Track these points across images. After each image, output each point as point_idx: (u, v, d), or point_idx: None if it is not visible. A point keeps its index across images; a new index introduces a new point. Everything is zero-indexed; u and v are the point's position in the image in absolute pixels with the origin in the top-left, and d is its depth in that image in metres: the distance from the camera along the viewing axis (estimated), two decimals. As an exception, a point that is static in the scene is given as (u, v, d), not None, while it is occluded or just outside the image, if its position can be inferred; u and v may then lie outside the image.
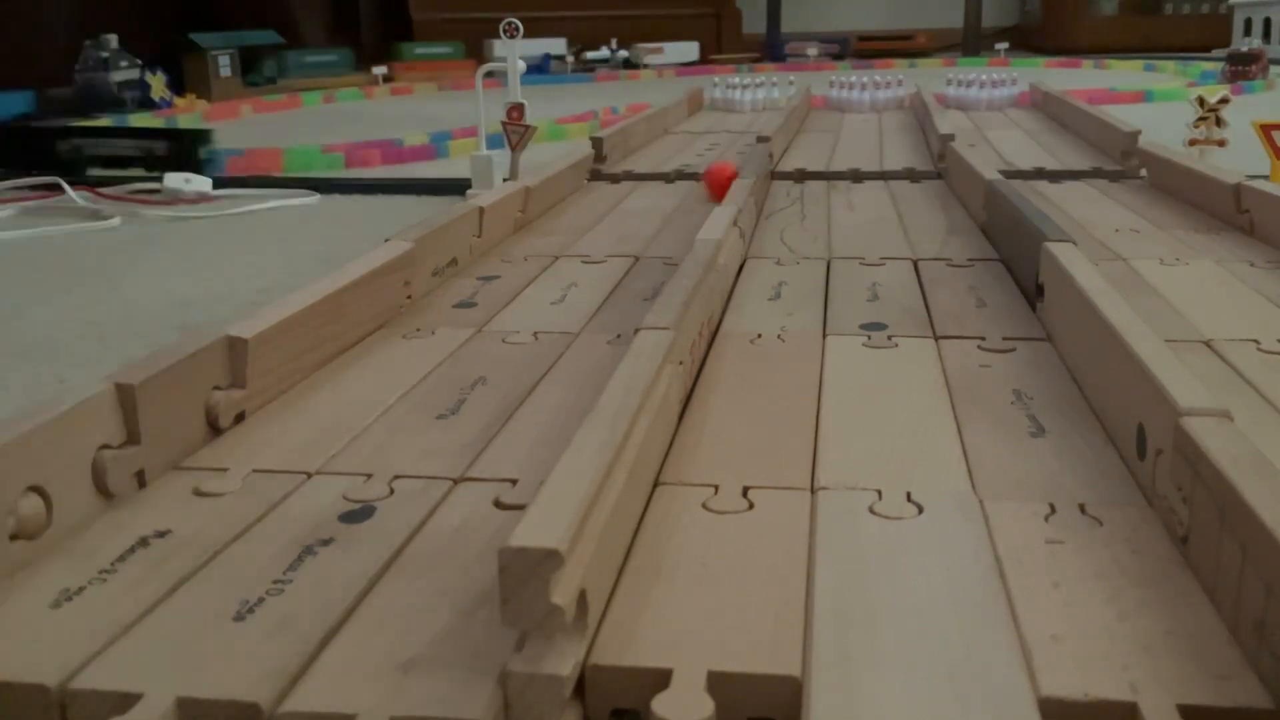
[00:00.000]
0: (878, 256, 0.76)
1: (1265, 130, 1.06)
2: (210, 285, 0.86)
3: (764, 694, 0.28)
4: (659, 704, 0.26)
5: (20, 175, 1.35)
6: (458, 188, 1.23)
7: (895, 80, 1.98)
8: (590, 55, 3.74)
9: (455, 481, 0.41)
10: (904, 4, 4.61)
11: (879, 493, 0.38)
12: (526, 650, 0.27)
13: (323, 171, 1.51)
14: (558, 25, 3.77)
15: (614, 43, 3.73)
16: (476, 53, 3.51)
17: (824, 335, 0.58)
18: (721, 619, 0.30)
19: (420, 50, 3.45)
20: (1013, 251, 0.71)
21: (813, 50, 3.80)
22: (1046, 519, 0.36)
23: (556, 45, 3.67)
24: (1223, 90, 1.17)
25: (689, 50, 3.87)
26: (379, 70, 3.07)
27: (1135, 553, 0.34)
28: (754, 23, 4.45)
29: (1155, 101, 2.15)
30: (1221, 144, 1.13)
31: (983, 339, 0.57)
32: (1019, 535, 0.35)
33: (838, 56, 3.88)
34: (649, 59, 3.73)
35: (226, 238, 1.05)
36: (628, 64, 3.73)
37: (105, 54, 2.54)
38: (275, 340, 0.50)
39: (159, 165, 1.38)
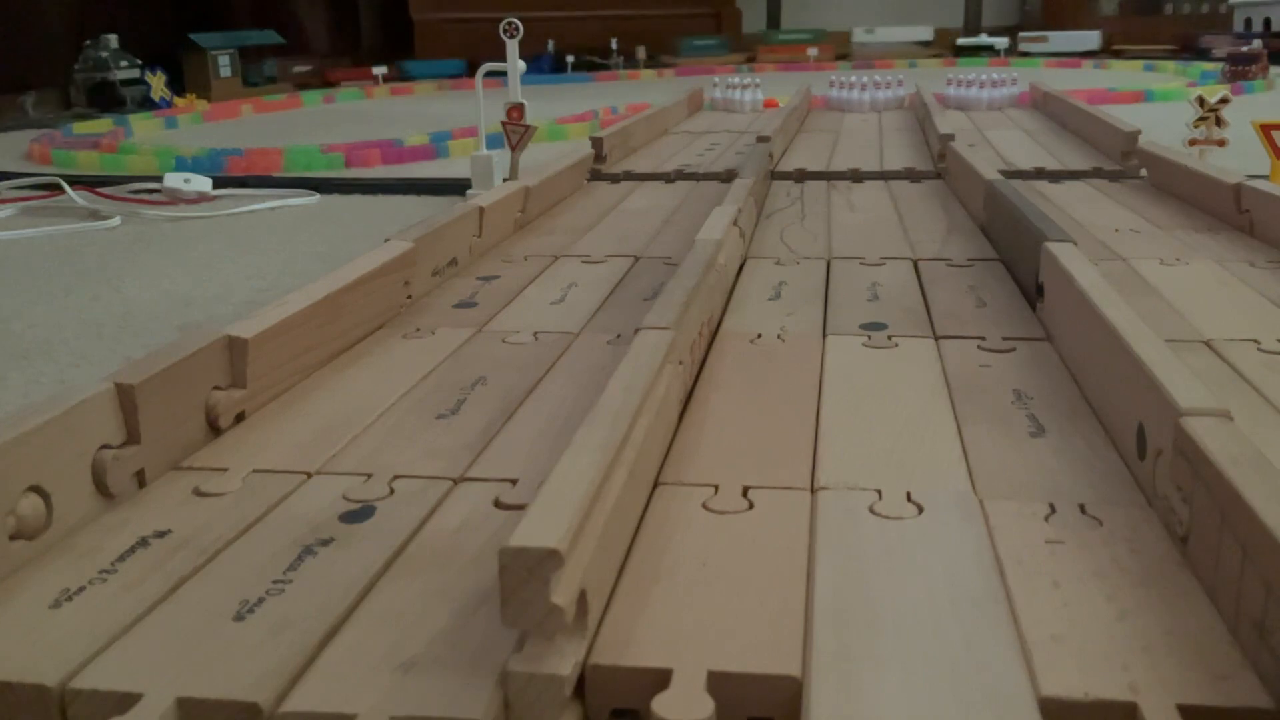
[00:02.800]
0: (878, 256, 0.76)
1: (1265, 130, 1.06)
2: (210, 285, 0.86)
3: (764, 694, 0.28)
4: (659, 704, 0.26)
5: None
6: (458, 188, 1.23)
7: (895, 80, 1.98)
8: (962, 41, 3.67)
9: (455, 481, 0.41)
10: (905, 3, 4.61)
11: (879, 493, 0.38)
12: (526, 650, 0.27)
13: (323, 171, 1.51)
14: (556, 25, 3.77)
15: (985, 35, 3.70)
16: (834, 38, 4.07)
17: (824, 335, 0.58)
18: (721, 619, 0.30)
19: (782, 36, 4.16)
20: (1013, 251, 0.71)
21: (1224, 48, 3.61)
22: (1046, 519, 0.36)
23: (924, 32, 3.77)
24: (1223, 90, 1.17)
25: (1086, 39, 3.63)
26: (379, 70, 3.08)
27: (1135, 553, 0.34)
28: (754, 22, 4.45)
29: (1155, 101, 2.15)
30: (1221, 144, 1.13)
31: (983, 339, 0.57)
32: (1019, 535, 0.35)
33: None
34: (1030, 46, 3.61)
35: (226, 238, 1.05)
36: (1005, 52, 3.65)
37: (105, 54, 2.54)
38: (275, 340, 0.50)
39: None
